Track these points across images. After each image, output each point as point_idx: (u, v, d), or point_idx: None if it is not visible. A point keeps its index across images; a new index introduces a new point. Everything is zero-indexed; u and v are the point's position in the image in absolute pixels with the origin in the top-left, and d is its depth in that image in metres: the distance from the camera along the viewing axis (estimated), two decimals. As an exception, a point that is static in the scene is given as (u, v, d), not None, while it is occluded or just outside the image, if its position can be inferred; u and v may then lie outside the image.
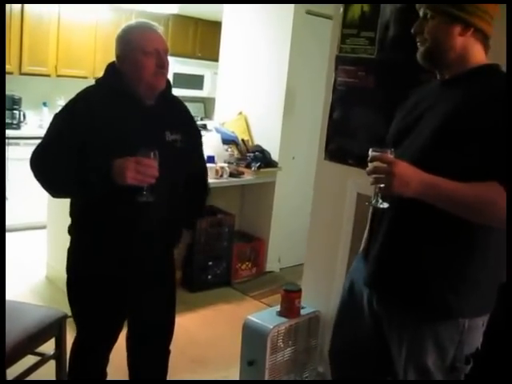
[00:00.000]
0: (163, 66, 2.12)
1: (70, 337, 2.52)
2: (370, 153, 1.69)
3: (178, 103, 2.39)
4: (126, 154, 1.96)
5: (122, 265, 2.21)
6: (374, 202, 1.72)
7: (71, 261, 2.29)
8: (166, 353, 2.54)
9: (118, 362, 2.49)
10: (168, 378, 2.67)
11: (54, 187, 2.15)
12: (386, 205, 1.72)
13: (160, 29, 2.19)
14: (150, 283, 2.32)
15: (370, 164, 1.68)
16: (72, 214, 2.26)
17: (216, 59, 5.78)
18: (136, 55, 2.10)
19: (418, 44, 1.83)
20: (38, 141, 2.12)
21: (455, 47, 1.76)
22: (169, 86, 2.26)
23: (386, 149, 1.69)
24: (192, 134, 2.39)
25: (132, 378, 2.54)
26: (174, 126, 2.24)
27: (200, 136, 2.54)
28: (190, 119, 2.45)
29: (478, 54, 1.78)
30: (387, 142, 1.96)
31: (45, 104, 6.15)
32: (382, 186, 1.66)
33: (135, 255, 2.22)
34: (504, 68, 1.87)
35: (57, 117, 2.16)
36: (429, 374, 1.84)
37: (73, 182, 2.05)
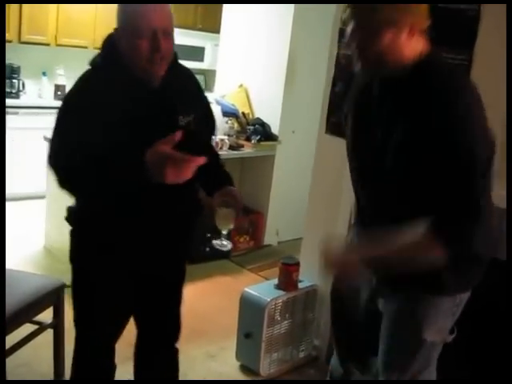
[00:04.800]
0: (158, 50, 1.79)
1: (68, 306, 2.52)
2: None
3: (187, 78, 2.20)
4: (138, 146, 1.72)
5: (134, 258, 2.05)
6: None
7: (78, 250, 2.10)
8: (175, 351, 2.39)
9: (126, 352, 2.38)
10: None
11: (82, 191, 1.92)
12: None
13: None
14: (160, 278, 2.18)
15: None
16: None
17: (217, 31, 5.74)
18: (129, 36, 1.80)
19: (362, 57, 1.72)
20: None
21: (405, 51, 1.67)
22: (175, 60, 2.02)
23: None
24: (203, 109, 2.23)
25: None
26: (185, 107, 2.02)
27: (210, 111, 2.36)
28: (201, 94, 2.29)
29: (414, 46, 1.69)
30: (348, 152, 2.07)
31: (44, 73, 6.08)
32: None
33: (147, 246, 2.04)
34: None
35: (61, 113, 1.90)
36: (425, 346, 1.88)
37: (97, 180, 1.82)
